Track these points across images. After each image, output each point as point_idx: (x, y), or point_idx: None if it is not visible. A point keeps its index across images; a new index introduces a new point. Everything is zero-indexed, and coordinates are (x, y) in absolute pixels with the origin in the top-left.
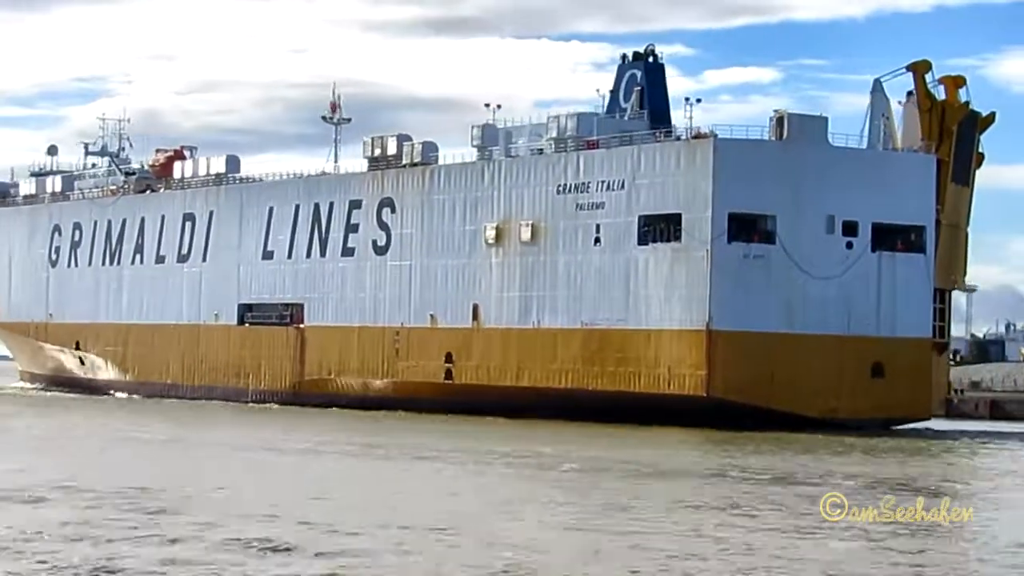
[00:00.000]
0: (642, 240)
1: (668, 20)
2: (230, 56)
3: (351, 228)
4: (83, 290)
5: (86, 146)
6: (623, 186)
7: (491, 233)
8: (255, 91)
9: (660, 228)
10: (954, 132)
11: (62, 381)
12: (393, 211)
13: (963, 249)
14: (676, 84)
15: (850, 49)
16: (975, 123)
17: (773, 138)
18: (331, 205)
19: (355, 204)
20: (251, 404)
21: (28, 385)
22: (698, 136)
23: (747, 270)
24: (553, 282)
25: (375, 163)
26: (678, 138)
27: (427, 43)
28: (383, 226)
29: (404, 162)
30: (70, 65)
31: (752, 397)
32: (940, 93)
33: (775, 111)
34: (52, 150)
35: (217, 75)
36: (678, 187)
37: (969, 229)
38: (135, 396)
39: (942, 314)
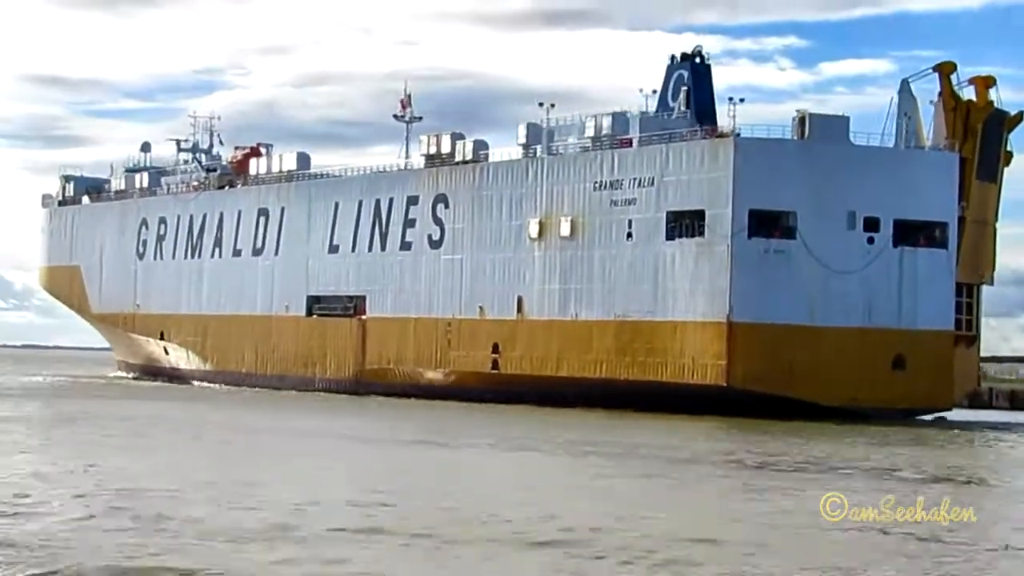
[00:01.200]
0: (669, 235)
1: (781, 11)
2: (342, 49)
3: (409, 223)
4: (167, 282)
5: (178, 143)
6: (653, 183)
7: (534, 228)
8: (368, 84)
9: (686, 224)
10: (979, 131)
11: (152, 370)
12: (447, 207)
13: (990, 244)
14: (790, 76)
15: (965, 41)
16: (1002, 122)
17: (795, 137)
18: (391, 201)
19: (412, 200)
20: (319, 392)
21: (123, 374)
22: (720, 135)
23: (768, 264)
24: (590, 275)
25: (431, 160)
26: (706, 136)
27: (539, 35)
28: (437, 221)
29: (457, 159)
30: (186, 58)
31: (772, 387)
32: (971, 93)
33: (797, 111)
34: (145, 147)
35: (330, 67)
36: (702, 184)
37: (997, 225)
38: (215, 385)
39: (969, 308)
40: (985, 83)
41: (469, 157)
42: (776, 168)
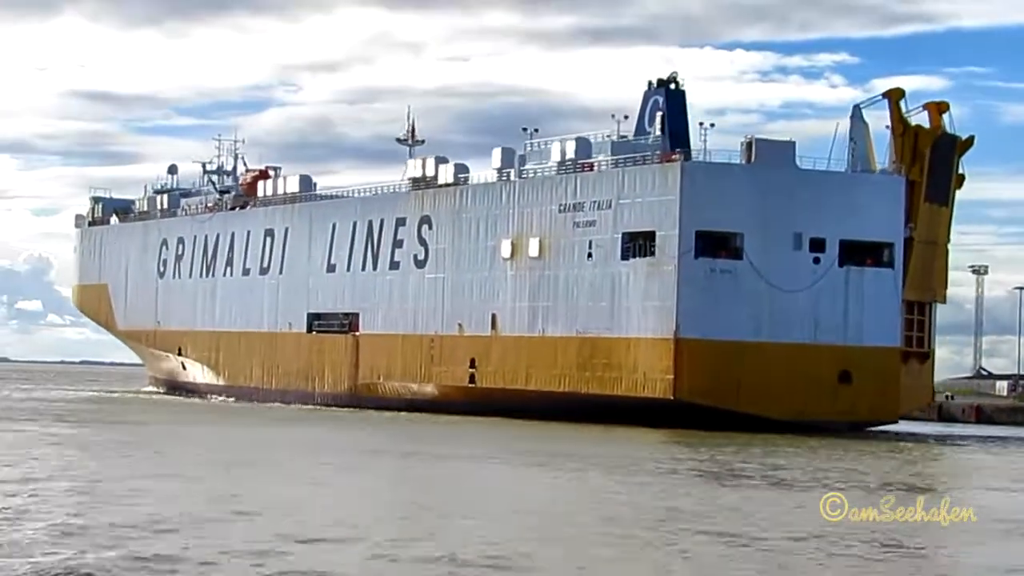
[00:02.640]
0: (624, 255)
1: (830, 28)
2: (391, 66)
3: (397, 243)
4: (184, 300)
5: (204, 165)
6: (610, 205)
7: (506, 248)
8: (418, 100)
9: (639, 244)
10: (926, 155)
11: (173, 384)
12: (430, 228)
13: (942, 264)
14: (841, 93)
15: (1018, 55)
16: (954, 146)
17: (743, 161)
18: (382, 222)
19: (400, 221)
20: (319, 406)
21: (154, 388)
22: (669, 160)
23: (714, 283)
24: (555, 293)
25: (416, 184)
26: (658, 160)
27: (587, 52)
28: (422, 241)
29: (440, 183)
30: (236, 75)
31: (719, 400)
32: (925, 119)
33: (745, 136)
34: (172, 169)
35: (379, 84)
36: (653, 207)
37: (949, 246)
38: (228, 399)
39: (920, 325)
40: (938, 108)
41: (451, 180)
42: (723, 191)
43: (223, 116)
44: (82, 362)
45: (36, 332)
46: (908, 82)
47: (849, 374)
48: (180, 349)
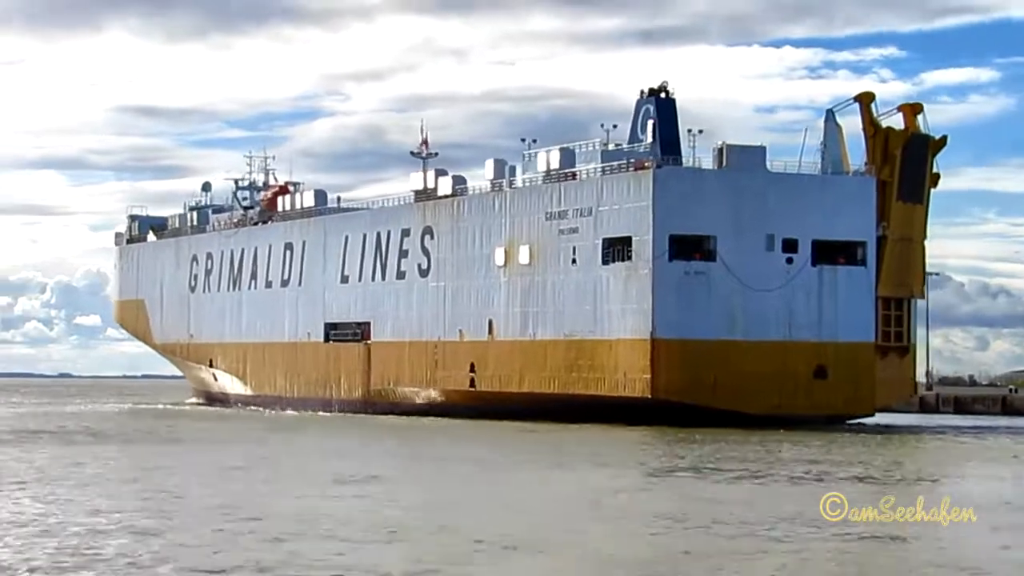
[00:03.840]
0: (605, 260)
1: (877, 23)
2: (437, 72)
3: (403, 254)
4: (213, 312)
5: (236, 181)
6: (591, 213)
7: (500, 256)
8: (465, 106)
9: (617, 249)
10: (897, 156)
11: (207, 395)
12: (432, 238)
13: (919, 261)
14: (892, 87)
15: None
16: (927, 146)
17: (715, 167)
18: (389, 233)
19: (406, 232)
20: (336, 412)
21: (196, 400)
22: (641, 167)
23: (688, 285)
24: (544, 298)
25: (419, 195)
26: (633, 168)
27: (634, 53)
28: (425, 251)
29: (440, 194)
30: (282, 86)
31: (695, 398)
32: (899, 120)
33: (716, 143)
34: (206, 186)
35: (426, 91)
36: (629, 213)
37: (926, 242)
38: (256, 408)
39: (899, 320)
40: (913, 110)
41: (448, 192)
42: (695, 196)
43: (273, 127)
44: (143, 376)
45: (96, 347)
46: (957, 75)
47: (824, 369)
48: (211, 360)
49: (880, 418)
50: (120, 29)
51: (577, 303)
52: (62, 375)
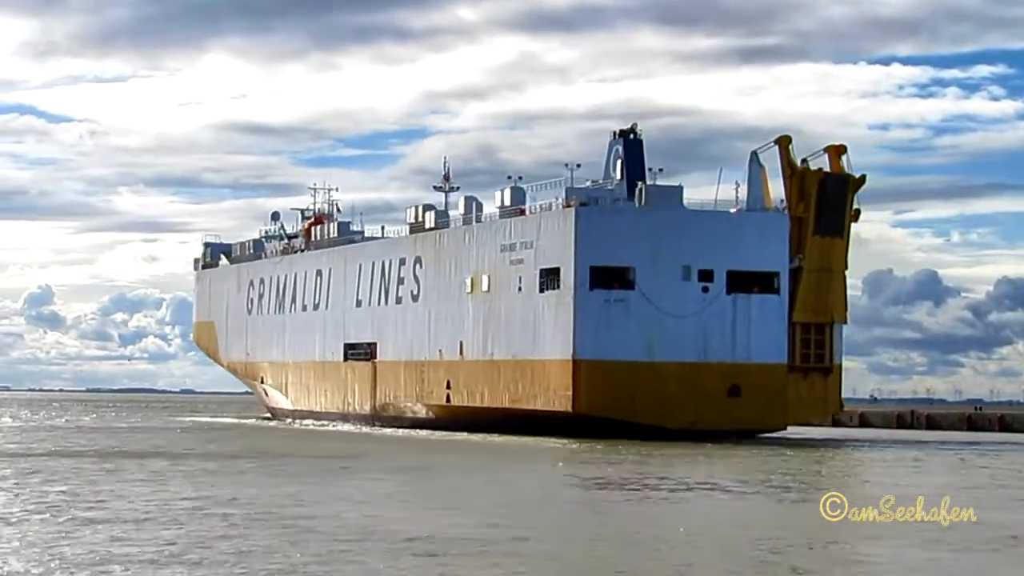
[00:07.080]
0: (541, 288)
1: (982, 40)
2: (540, 90)
3: (400, 281)
4: (264, 333)
5: (301, 212)
6: (532, 246)
7: (468, 284)
8: (572, 124)
9: (551, 279)
10: (813, 193)
11: (273, 410)
12: (421, 267)
13: (839, 289)
14: (1003, 106)
15: None
16: (847, 184)
17: (637, 205)
18: (390, 262)
19: (403, 262)
20: (350, 426)
21: (266, 415)
22: (568, 205)
23: (608, 311)
24: (499, 322)
25: (413, 228)
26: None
27: (736, 72)
28: (416, 279)
29: (427, 227)
30: (389, 105)
31: (615, 412)
32: (825, 161)
33: (638, 183)
34: (275, 216)
35: (530, 108)
36: (558, 246)
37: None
38: (297, 422)
39: (820, 344)
40: (837, 151)
41: (433, 225)
42: (615, 230)
43: (384, 145)
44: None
45: (213, 364)
46: None
47: (738, 387)
48: (262, 377)
49: (792, 431)
50: (222, 50)
51: (521, 327)
52: (183, 391)
